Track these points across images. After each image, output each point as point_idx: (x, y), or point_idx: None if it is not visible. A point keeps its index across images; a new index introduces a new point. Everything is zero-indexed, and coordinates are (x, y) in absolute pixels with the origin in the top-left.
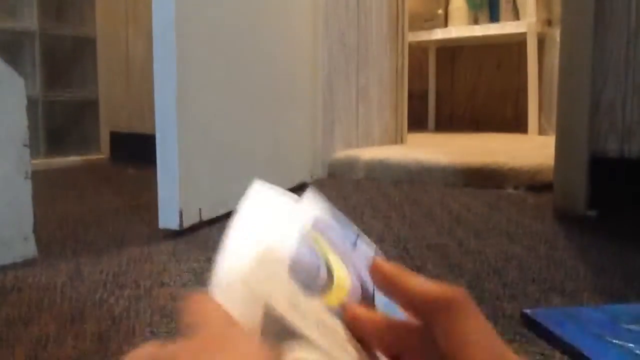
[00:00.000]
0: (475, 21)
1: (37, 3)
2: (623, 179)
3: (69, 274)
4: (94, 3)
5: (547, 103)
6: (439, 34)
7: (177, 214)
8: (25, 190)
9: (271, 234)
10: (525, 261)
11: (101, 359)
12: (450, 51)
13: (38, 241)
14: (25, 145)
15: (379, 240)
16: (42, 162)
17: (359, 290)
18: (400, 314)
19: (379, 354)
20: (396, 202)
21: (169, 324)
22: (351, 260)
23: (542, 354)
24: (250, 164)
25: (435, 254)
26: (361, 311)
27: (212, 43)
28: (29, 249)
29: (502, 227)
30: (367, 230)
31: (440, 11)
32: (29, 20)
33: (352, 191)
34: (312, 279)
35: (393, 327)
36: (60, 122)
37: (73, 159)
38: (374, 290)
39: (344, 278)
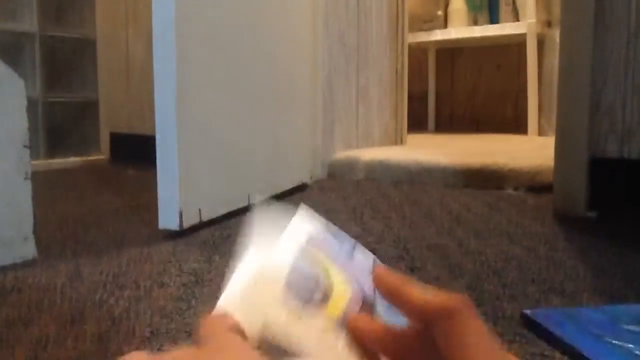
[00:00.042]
0: (475, 22)
1: (37, 5)
2: (623, 179)
3: (69, 274)
4: (94, 4)
5: (547, 104)
6: (438, 35)
7: (177, 215)
8: (25, 191)
9: (269, 253)
10: (525, 262)
11: (101, 359)
12: (449, 52)
13: (38, 242)
14: (25, 146)
15: (379, 241)
16: (42, 163)
17: (360, 299)
18: (401, 320)
19: None
20: (396, 203)
21: (169, 325)
22: (350, 269)
23: (542, 355)
24: (250, 164)
25: (435, 254)
26: (362, 320)
27: (212, 43)
28: (29, 250)
29: (502, 227)
30: (367, 230)
31: (439, 12)
32: (29, 22)
33: (352, 192)
34: (311, 292)
35: (395, 334)
36: (60, 123)
37: (73, 160)
38: (374, 297)
39: (344, 288)
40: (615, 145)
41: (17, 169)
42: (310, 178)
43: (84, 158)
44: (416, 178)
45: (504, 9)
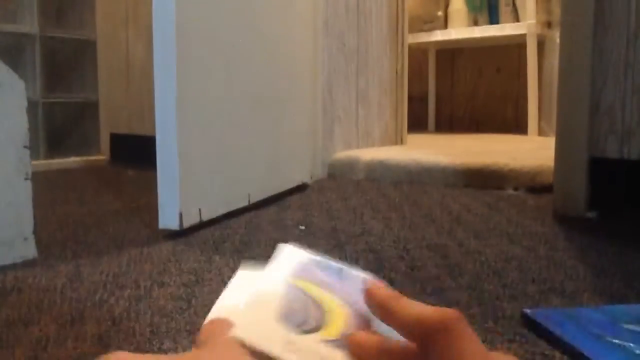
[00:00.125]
0: (475, 23)
1: (37, 6)
2: (623, 180)
3: (69, 275)
4: (94, 6)
5: (547, 104)
6: (438, 36)
7: (177, 215)
8: (25, 192)
9: (257, 287)
10: (525, 262)
11: None
12: (450, 53)
13: (38, 242)
14: (25, 147)
15: (379, 241)
16: (42, 164)
17: (357, 317)
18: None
19: None
20: (396, 203)
21: (169, 324)
22: (342, 291)
23: (542, 354)
24: (250, 164)
25: (435, 254)
26: (362, 337)
27: (212, 43)
28: (29, 250)
29: (502, 227)
30: (367, 230)
31: (439, 13)
32: (30, 23)
33: (352, 192)
34: (304, 317)
35: (395, 348)
36: (60, 123)
37: (73, 161)
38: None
39: (339, 310)
40: (615, 145)
41: (17, 170)
42: (311, 178)
43: (84, 158)
44: (416, 178)
45: (504, 10)
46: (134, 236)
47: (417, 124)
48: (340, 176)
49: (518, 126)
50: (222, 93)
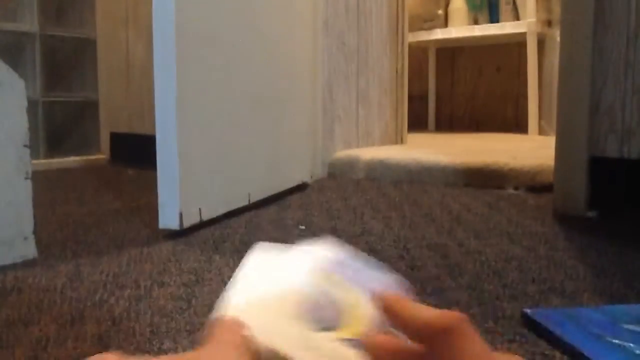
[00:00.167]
0: (475, 22)
1: (37, 5)
2: (623, 179)
3: (69, 274)
4: (94, 5)
5: (547, 104)
6: (438, 34)
7: (177, 214)
8: (25, 191)
9: (279, 278)
10: (525, 262)
11: None
12: (450, 52)
13: (38, 242)
14: (25, 146)
15: (379, 241)
16: (42, 163)
17: (379, 318)
18: None
19: None
20: (396, 202)
21: (169, 324)
22: (367, 290)
23: (542, 354)
24: (250, 164)
25: (435, 254)
26: (381, 339)
27: (212, 43)
28: (29, 250)
29: (502, 227)
30: (367, 230)
31: (440, 12)
32: (30, 22)
33: (352, 191)
34: (324, 315)
35: (415, 352)
36: (60, 123)
37: (73, 160)
38: None
39: (363, 309)
40: (615, 145)
41: (17, 169)
42: (311, 177)
43: (84, 158)
44: (416, 177)
45: (504, 8)
46: (134, 236)
47: (417, 123)
48: (340, 176)
49: (518, 125)
50: (222, 93)
